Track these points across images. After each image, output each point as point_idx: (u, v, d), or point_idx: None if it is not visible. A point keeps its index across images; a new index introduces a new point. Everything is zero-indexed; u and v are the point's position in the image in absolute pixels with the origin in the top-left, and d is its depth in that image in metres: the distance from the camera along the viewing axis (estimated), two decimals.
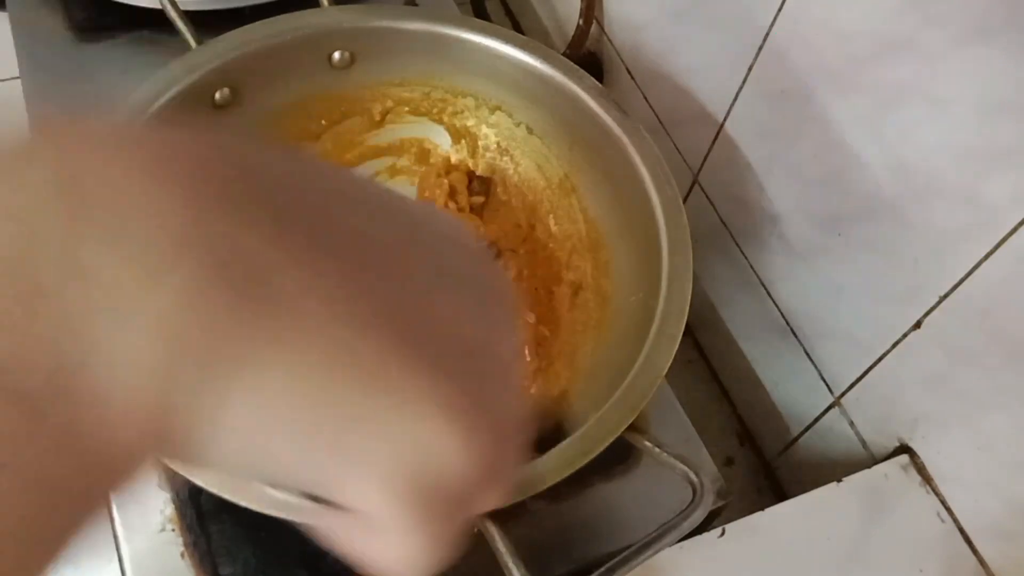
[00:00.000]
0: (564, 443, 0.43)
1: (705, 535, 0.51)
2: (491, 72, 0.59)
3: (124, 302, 0.14)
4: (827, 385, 0.59)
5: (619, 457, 0.55)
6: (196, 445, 0.16)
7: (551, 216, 0.62)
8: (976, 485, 0.51)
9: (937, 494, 0.53)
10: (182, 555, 0.50)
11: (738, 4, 0.55)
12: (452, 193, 0.64)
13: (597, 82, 0.56)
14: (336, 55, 0.59)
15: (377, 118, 0.63)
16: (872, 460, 0.57)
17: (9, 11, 0.70)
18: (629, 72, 0.71)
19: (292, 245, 0.15)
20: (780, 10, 0.51)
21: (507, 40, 0.58)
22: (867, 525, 0.52)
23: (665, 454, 0.45)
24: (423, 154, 0.64)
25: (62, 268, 0.14)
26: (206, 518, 0.51)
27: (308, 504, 0.19)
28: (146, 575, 0.49)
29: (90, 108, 0.16)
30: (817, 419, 0.61)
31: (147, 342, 0.14)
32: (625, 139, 0.54)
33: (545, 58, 0.57)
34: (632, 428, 0.44)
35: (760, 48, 0.54)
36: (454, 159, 0.64)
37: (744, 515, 0.52)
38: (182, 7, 0.56)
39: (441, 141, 0.64)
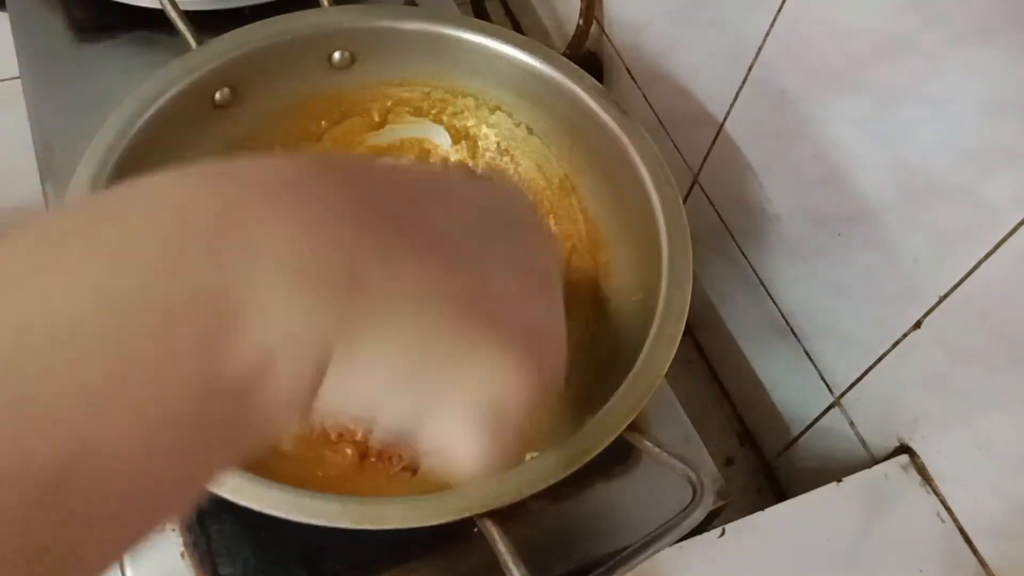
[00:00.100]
0: (564, 443, 0.43)
1: (705, 535, 0.51)
2: (491, 72, 0.59)
3: (272, 290, 0.18)
4: (827, 385, 0.59)
5: (619, 457, 0.55)
6: (326, 393, 0.20)
7: (551, 216, 0.62)
8: (976, 485, 0.51)
9: (937, 494, 0.53)
10: (182, 555, 0.50)
11: (738, 4, 0.55)
12: None
13: (597, 82, 0.56)
14: (336, 55, 0.59)
15: (377, 118, 0.63)
16: (872, 460, 0.57)
17: (9, 11, 0.70)
18: (629, 72, 0.71)
19: (386, 244, 0.21)
20: (780, 10, 0.51)
21: (507, 40, 0.58)
22: (867, 525, 0.52)
23: (665, 454, 0.45)
24: (423, 154, 0.64)
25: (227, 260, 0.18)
26: (206, 518, 0.51)
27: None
28: (146, 575, 0.49)
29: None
30: (817, 419, 0.61)
31: (292, 312, 0.19)
32: (625, 139, 0.54)
33: (545, 58, 0.57)
34: (632, 428, 0.44)
35: (760, 48, 0.54)
36: (454, 159, 0.64)
37: (744, 515, 0.52)
38: (182, 7, 0.56)
39: (441, 141, 0.64)
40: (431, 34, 0.58)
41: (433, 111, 0.63)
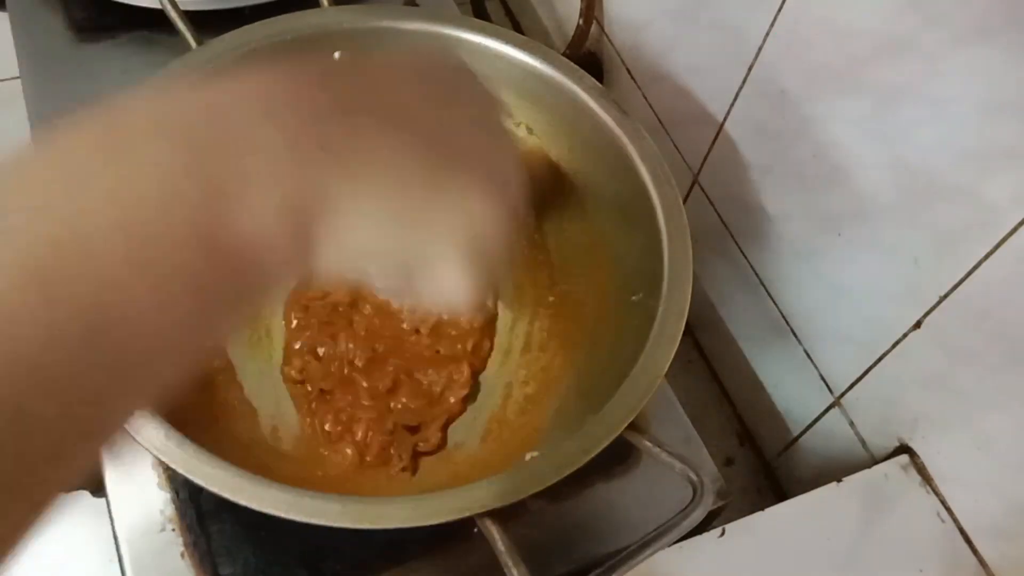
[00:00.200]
0: (564, 442, 0.44)
1: (705, 535, 0.51)
2: (491, 72, 0.59)
3: (257, 157, 0.22)
4: (827, 385, 0.59)
5: (619, 457, 0.55)
6: (320, 245, 0.23)
7: (551, 216, 0.62)
8: (976, 485, 0.51)
9: (937, 494, 0.53)
10: (182, 555, 0.50)
11: (738, 4, 0.55)
12: None
13: (597, 82, 0.56)
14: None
15: None
16: (872, 460, 0.57)
17: (9, 11, 0.70)
18: (629, 72, 0.71)
19: (353, 122, 0.24)
20: (780, 10, 0.51)
21: (507, 40, 0.58)
22: (867, 525, 0.52)
23: (665, 454, 0.45)
24: None
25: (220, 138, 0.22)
26: (206, 518, 0.51)
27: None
28: (146, 575, 0.49)
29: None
30: (817, 419, 0.61)
31: (275, 173, 0.22)
32: (625, 139, 0.54)
33: (545, 58, 0.57)
34: (632, 428, 0.44)
35: (760, 48, 0.54)
36: None
37: (744, 515, 0.52)
38: (182, 7, 0.56)
39: None
40: (431, 34, 0.58)
41: None
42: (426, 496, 0.42)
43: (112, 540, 0.50)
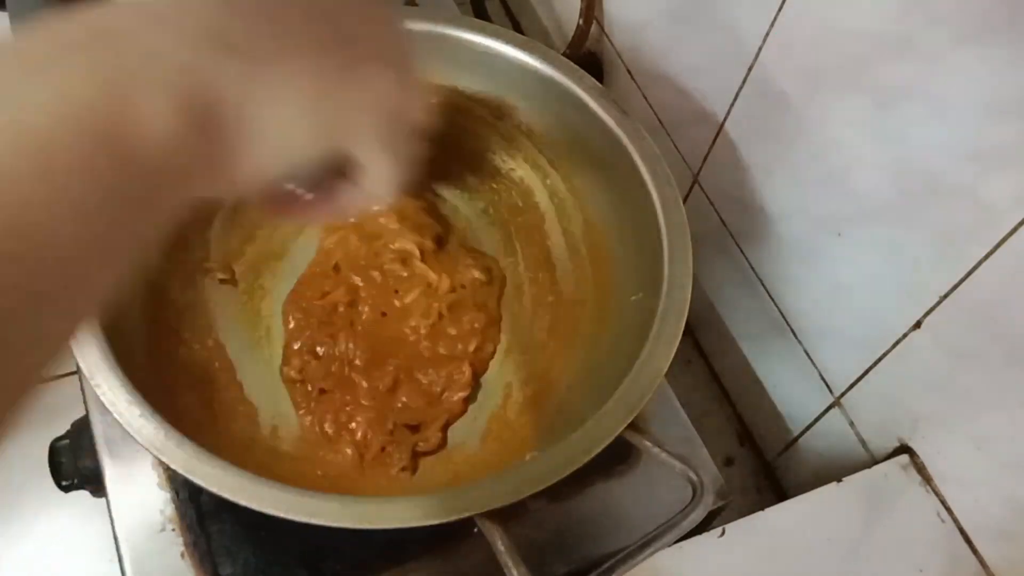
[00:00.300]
0: (564, 442, 0.44)
1: (705, 535, 0.51)
2: (491, 72, 0.59)
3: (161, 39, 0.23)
4: (827, 385, 0.59)
5: (619, 457, 0.55)
6: (241, 144, 0.24)
7: (551, 215, 0.62)
8: (976, 485, 0.51)
9: (937, 494, 0.53)
10: (182, 555, 0.50)
11: (738, 4, 0.55)
12: None
13: (597, 82, 0.56)
14: None
15: None
16: (872, 460, 0.57)
17: (9, 11, 0.70)
18: (629, 72, 0.71)
19: (256, 22, 0.25)
20: (780, 10, 0.51)
21: (507, 40, 0.58)
22: (867, 525, 0.52)
23: (665, 453, 0.45)
24: None
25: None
26: (206, 518, 0.51)
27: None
28: (146, 575, 0.49)
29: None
30: (817, 419, 0.61)
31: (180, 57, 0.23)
32: (625, 139, 0.54)
33: (545, 58, 0.57)
34: (632, 427, 0.44)
35: (760, 48, 0.54)
36: None
37: (744, 515, 0.52)
38: None
39: None
40: (431, 34, 0.58)
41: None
42: (426, 496, 0.42)
43: (112, 540, 0.50)
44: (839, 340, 0.57)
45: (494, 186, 0.63)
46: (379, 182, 0.31)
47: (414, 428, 0.55)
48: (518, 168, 0.62)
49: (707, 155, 0.64)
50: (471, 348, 0.58)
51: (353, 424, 0.54)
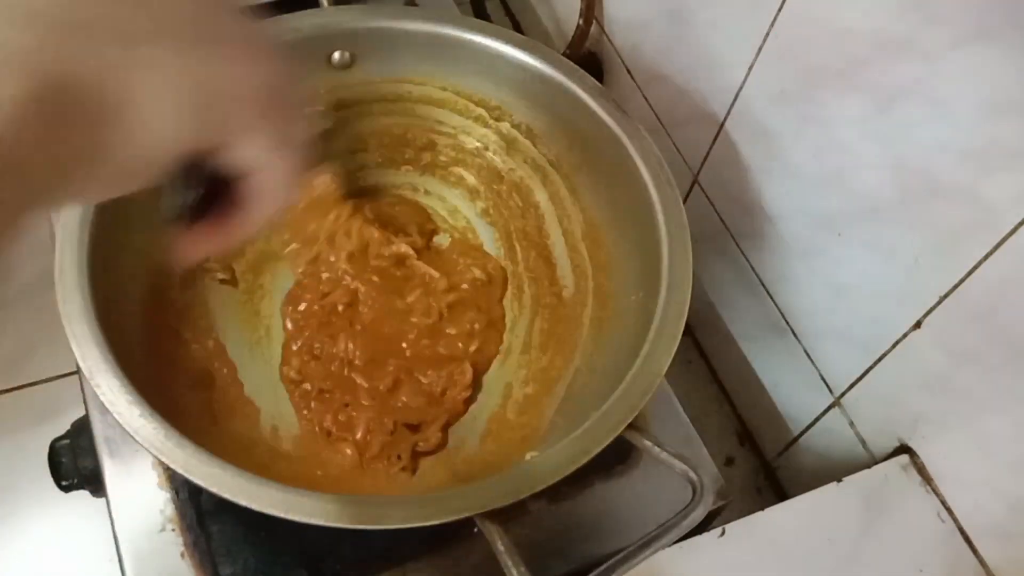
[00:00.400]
0: (564, 442, 0.44)
1: (705, 535, 0.51)
2: (491, 72, 0.59)
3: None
4: (827, 385, 0.59)
5: (619, 457, 0.55)
6: (111, 131, 0.23)
7: (550, 214, 0.62)
8: (976, 485, 0.51)
9: (937, 494, 0.53)
10: (182, 555, 0.50)
11: (738, 4, 0.55)
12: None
13: (597, 82, 0.56)
14: (336, 55, 0.59)
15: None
16: (872, 460, 0.57)
17: None
18: (629, 72, 0.71)
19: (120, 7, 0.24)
20: (780, 10, 0.51)
21: (507, 40, 0.58)
22: (867, 525, 0.52)
23: (665, 453, 0.45)
24: (430, 144, 0.65)
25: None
26: (206, 518, 0.51)
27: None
28: (146, 575, 0.49)
29: None
30: (817, 419, 0.61)
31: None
32: (625, 139, 0.54)
33: (545, 58, 0.57)
34: (632, 427, 0.44)
35: (760, 48, 0.54)
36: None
37: (744, 515, 0.52)
38: None
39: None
40: (431, 34, 0.58)
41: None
42: (426, 496, 0.42)
43: (112, 540, 0.50)
44: (839, 340, 0.57)
45: (494, 186, 0.63)
46: (273, 176, 0.29)
47: (414, 428, 0.55)
48: (518, 168, 0.62)
49: (707, 155, 0.64)
50: (471, 348, 0.58)
51: (353, 424, 0.54)
